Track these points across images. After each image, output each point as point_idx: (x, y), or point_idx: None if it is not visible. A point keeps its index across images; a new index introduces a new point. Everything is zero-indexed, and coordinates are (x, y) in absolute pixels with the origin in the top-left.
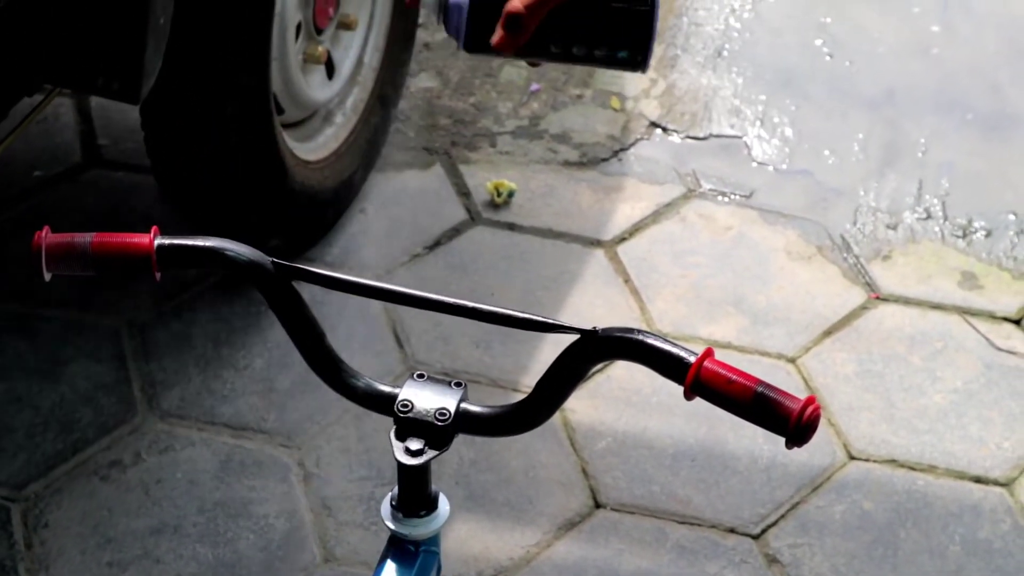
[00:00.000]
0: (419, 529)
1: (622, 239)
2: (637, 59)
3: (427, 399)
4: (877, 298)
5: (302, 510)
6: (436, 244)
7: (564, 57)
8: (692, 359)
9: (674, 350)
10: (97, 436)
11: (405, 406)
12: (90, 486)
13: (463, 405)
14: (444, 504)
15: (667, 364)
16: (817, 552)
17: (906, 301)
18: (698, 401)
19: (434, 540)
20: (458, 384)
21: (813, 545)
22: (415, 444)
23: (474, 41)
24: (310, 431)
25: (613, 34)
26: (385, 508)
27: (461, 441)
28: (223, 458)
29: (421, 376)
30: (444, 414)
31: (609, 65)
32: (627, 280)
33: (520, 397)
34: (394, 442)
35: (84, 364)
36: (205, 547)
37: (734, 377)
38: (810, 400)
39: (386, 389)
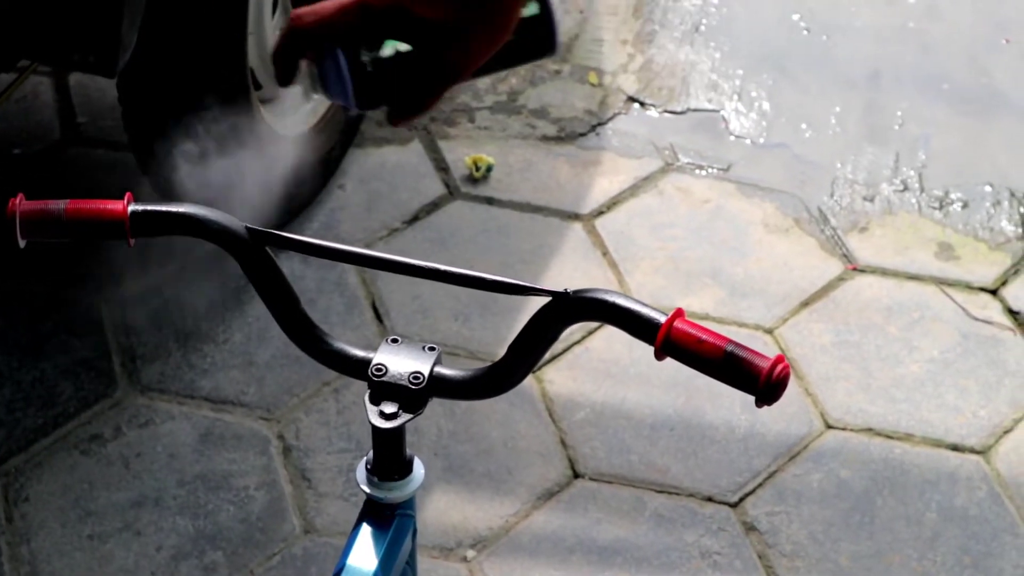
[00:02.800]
0: (394, 493)
1: (600, 212)
2: (543, 56)
3: (401, 363)
4: (854, 269)
5: (282, 482)
6: (415, 218)
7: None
8: (663, 319)
9: (645, 310)
10: (78, 410)
11: (379, 370)
12: (71, 460)
13: (437, 369)
14: (419, 468)
15: (638, 324)
16: (794, 520)
17: (883, 272)
18: (676, 371)
19: (409, 504)
20: (431, 348)
21: (790, 513)
22: (389, 407)
23: (363, 107)
24: (289, 404)
25: (515, 54)
26: (360, 472)
27: (440, 412)
28: (203, 431)
29: (395, 341)
30: (418, 378)
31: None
32: (605, 253)
33: None
34: (368, 406)
35: (64, 339)
36: (185, 519)
37: (704, 336)
38: (779, 359)
39: (360, 353)
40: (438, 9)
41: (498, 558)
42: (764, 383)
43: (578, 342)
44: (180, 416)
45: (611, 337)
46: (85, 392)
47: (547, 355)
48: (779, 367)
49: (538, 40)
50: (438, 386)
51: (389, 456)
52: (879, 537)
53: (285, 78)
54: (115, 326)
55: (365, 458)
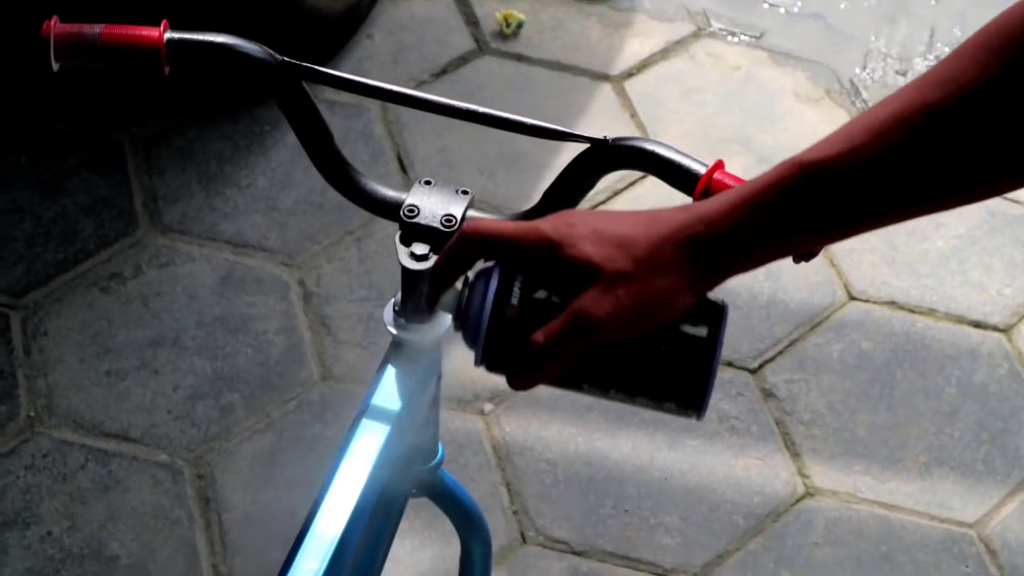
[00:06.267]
0: (421, 335)
1: (630, 74)
2: (687, 411)
3: (434, 205)
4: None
5: (301, 328)
6: (443, 72)
7: (599, 396)
8: (703, 170)
9: (685, 161)
10: (98, 248)
11: (411, 211)
12: (90, 296)
13: (470, 212)
14: None
15: (677, 174)
16: (813, 388)
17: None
18: None
19: (436, 347)
20: (464, 192)
21: (810, 381)
22: (420, 249)
23: (492, 361)
24: (311, 251)
25: (660, 379)
26: (388, 313)
27: None
28: (223, 274)
29: (428, 183)
30: (450, 220)
31: (655, 410)
32: (633, 115)
33: None
34: (399, 246)
35: (86, 177)
36: (203, 360)
37: None
38: None
39: (392, 194)
40: (589, 250)
41: (515, 412)
42: None
43: (603, 202)
44: (201, 258)
45: (637, 198)
46: (106, 230)
47: None
48: None
49: (687, 375)
50: None
51: (418, 298)
52: (898, 409)
53: (435, 296)
54: (138, 166)
55: (393, 299)
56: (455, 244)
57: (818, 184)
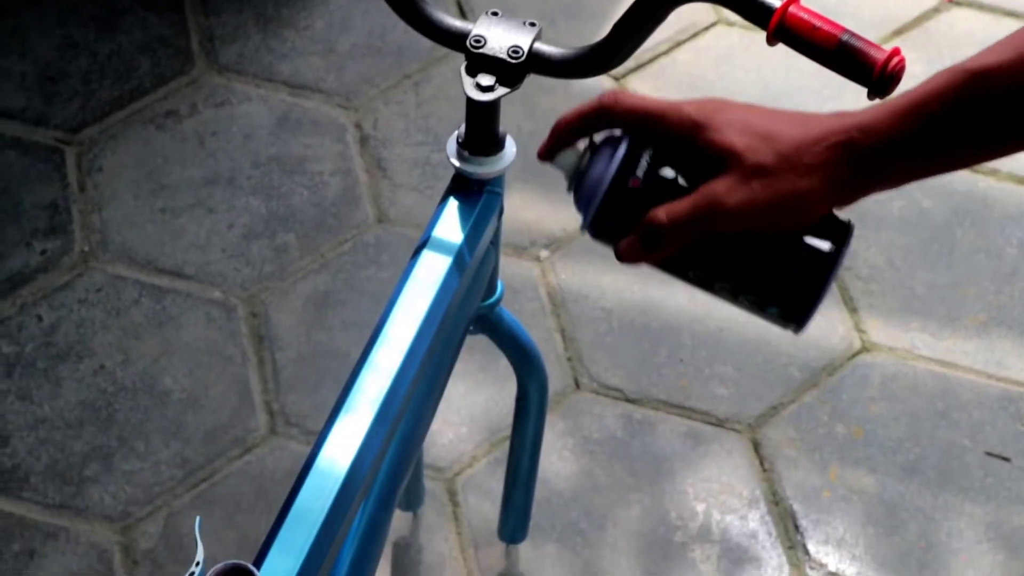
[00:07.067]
0: (484, 168)
1: None
2: (789, 321)
3: (501, 36)
4: (951, 1)
5: (357, 170)
6: None
7: (702, 287)
8: (778, 3)
9: None
10: (154, 86)
11: (478, 41)
12: (145, 133)
13: (536, 44)
14: (511, 146)
15: (751, 7)
16: (872, 244)
17: (980, 6)
18: (763, 88)
19: (498, 181)
20: (532, 24)
21: (869, 238)
22: (486, 80)
23: (599, 228)
24: (368, 94)
25: (770, 279)
26: (451, 146)
27: (520, 113)
28: (280, 115)
29: (495, 14)
30: (517, 52)
31: (755, 313)
32: None
33: None
34: (464, 77)
35: (142, 15)
36: (259, 199)
37: (819, 23)
38: (895, 51)
39: (459, 24)
40: (733, 137)
41: (571, 259)
42: (879, 75)
43: (664, 53)
44: (257, 98)
45: (699, 51)
46: (162, 68)
47: (630, 62)
48: (895, 60)
49: (800, 285)
50: (537, 62)
51: (482, 131)
52: (957, 268)
53: (553, 150)
54: (194, 6)
55: (456, 132)
56: (591, 108)
57: (985, 92)
